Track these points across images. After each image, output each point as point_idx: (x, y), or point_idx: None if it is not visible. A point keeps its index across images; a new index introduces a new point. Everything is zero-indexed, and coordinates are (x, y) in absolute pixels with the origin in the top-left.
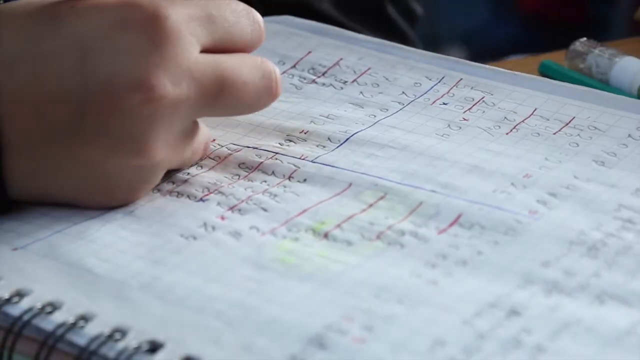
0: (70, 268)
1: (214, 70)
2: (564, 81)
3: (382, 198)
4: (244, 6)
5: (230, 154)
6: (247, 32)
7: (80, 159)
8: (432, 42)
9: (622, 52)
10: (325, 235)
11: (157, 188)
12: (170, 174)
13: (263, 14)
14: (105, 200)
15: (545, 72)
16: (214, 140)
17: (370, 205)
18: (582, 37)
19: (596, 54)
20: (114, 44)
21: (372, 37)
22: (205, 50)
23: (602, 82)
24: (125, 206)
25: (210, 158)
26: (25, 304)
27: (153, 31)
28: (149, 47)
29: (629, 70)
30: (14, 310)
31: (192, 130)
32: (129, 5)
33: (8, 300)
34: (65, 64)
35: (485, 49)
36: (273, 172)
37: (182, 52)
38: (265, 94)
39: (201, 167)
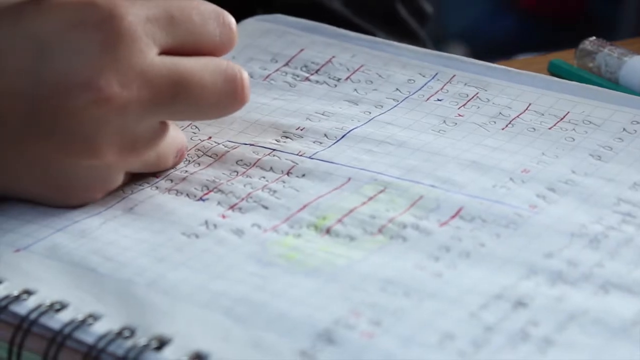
0: (74, 268)
1: (169, 72)
2: (573, 80)
3: (382, 191)
4: (213, 8)
5: (228, 151)
6: (214, 35)
7: (34, 156)
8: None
9: (632, 51)
10: (328, 231)
11: (155, 185)
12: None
13: (273, 13)
14: (63, 198)
15: (555, 71)
16: (210, 137)
17: (371, 199)
18: (585, 34)
19: (605, 53)
20: (68, 43)
21: (383, 36)
22: (166, 53)
23: (611, 81)
24: (123, 203)
25: (207, 155)
26: (33, 302)
27: (107, 31)
28: (102, 47)
29: (639, 70)
30: (23, 307)
31: (155, 133)
32: (87, 5)
33: (17, 298)
34: (21, 62)
35: (487, 47)
36: (271, 168)
37: (135, 53)
38: (227, 99)
39: (199, 164)
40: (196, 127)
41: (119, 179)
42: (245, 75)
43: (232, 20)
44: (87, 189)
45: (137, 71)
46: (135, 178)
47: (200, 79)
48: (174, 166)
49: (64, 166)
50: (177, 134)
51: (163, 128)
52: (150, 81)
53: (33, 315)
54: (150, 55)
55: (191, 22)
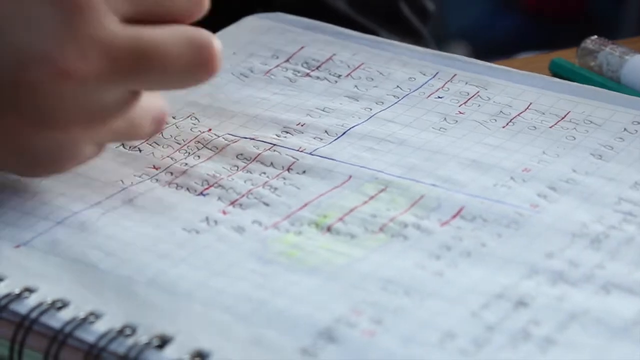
0: (75, 264)
1: (131, 43)
2: (574, 79)
3: (382, 190)
4: None
5: (228, 144)
6: (182, 3)
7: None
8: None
9: (633, 50)
10: (329, 229)
11: (155, 178)
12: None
13: (274, 12)
14: (31, 170)
15: (556, 70)
16: (210, 129)
17: (372, 198)
18: (586, 33)
19: (607, 52)
20: (25, 16)
21: (386, 34)
22: (129, 21)
23: (613, 80)
24: (122, 194)
25: (207, 148)
26: (34, 300)
27: (65, 3)
28: (59, 18)
29: None
30: (24, 306)
31: (122, 103)
32: None
33: (18, 296)
34: None
35: (489, 45)
36: (272, 164)
37: (94, 23)
38: (197, 68)
39: (199, 157)
40: (196, 118)
41: (89, 150)
42: (216, 43)
43: None
44: (55, 161)
45: (96, 42)
46: (134, 169)
47: (165, 49)
48: (153, 134)
49: (29, 138)
50: (155, 100)
51: (133, 97)
52: (111, 52)
53: (34, 314)
54: (110, 25)
55: None
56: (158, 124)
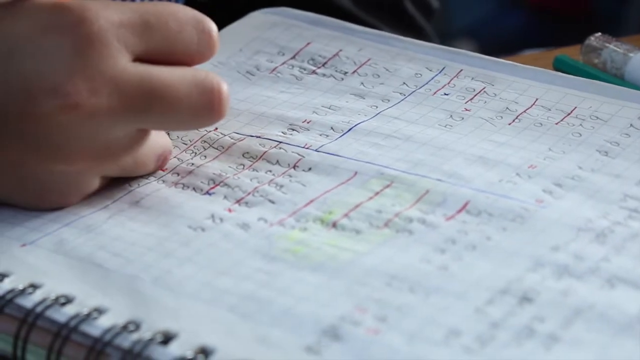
0: (80, 263)
1: (142, 81)
2: (578, 76)
3: (388, 186)
4: (193, 14)
5: (234, 143)
6: (191, 42)
7: (6, 160)
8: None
9: (638, 47)
10: (334, 225)
11: (161, 179)
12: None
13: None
14: (37, 202)
15: (560, 67)
16: (216, 128)
17: (377, 194)
18: (590, 30)
19: (611, 49)
20: (37, 47)
21: (389, 31)
22: (140, 60)
23: (617, 77)
24: (129, 196)
25: (213, 147)
26: (38, 295)
27: (77, 36)
28: (71, 52)
29: None
30: (28, 301)
31: (130, 140)
32: (58, 8)
33: (22, 292)
34: None
35: (493, 42)
36: (277, 161)
37: (105, 59)
38: (204, 112)
39: (205, 157)
40: None
41: (94, 183)
42: (224, 87)
43: (213, 27)
44: (62, 194)
45: (107, 77)
46: None
47: (174, 90)
48: (157, 170)
49: (36, 171)
50: (160, 139)
51: (140, 135)
52: (121, 89)
53: (38, 309)
54: (122, 62)
55: (167, 29)
56: (163, 161)
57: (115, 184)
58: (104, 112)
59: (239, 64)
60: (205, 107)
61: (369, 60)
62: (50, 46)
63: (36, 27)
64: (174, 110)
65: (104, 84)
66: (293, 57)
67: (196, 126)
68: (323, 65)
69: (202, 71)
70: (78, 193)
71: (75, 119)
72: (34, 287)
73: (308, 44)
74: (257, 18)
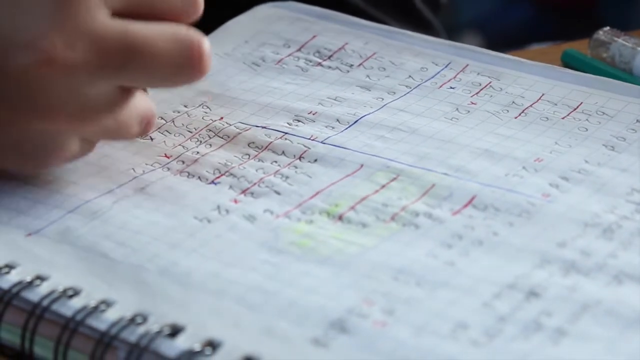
0: (86, 253)
1: (119, 36)
2: (586, 71)
3: (394, 179)
4: None
5: (239, 133)
6: (176, 2)
7: None
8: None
9: None
10: (340, 218)
11: (166, 167)
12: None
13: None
14: (17, 163)
15: (568, 61)
16: (222, 118)
17: (383, 187)
18: (599, 24)
19: (620, 43)
20: (14, 1)
21: (397, 25)
22: (120, 15)
23: (626, 72)
24: (134, 182)
25: (218, 136)
26: (45, 288)
27: None
28: (48, 6)
29: None
30: (36, 294)
31: (110, 99)
32: None
33: (30, 284)
34: None
35: (501, 36)
36: (283, 152)
37: (83, 14)
38: (184, 68)
39: (210, 145)
40: (207, 107)
41: (75, 145)
42: (206, 43)
43: None
44: (42, 156)
45: (84, 32)
46: (146, 158)
47: (153, 46)
48: (140, 135)
49: (14, 129)
50: (142, 101)
51: (122, 94)
52: (98, 43)
53: (46, 302)
54: (100, 17)
55: None
56: (146, 125)
57: (119, 168)
58: (80, 67)
59: (245, 55)
60: (185, 63)
61: (374, 54)
62: (27, 0)
63: None
64: (153, 66)
65: (80, 39)
66: (299, 50)
67: (177, 83)
68: (329, 58)
69: (184, 27)
70: (58, 155)
71: (50, 73)
72: (41, 279)
73: (314, 37)
74: (264, 11)
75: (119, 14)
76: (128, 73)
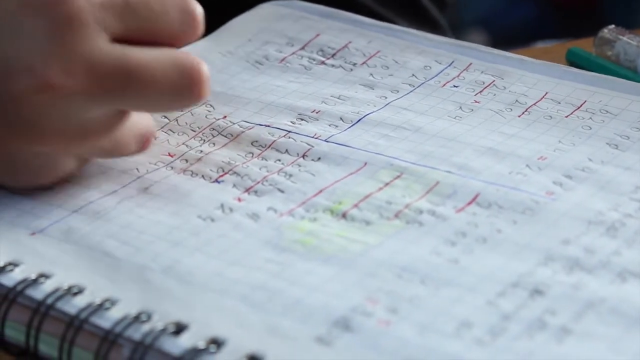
0: (90, 252)
1: (118, 62)
2: (591, 69)
3: (398, 177)
4: None
5: (243, 131)
6: (174, 23)
7: None
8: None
9: None
10: (344, 215)
11: (170, 165)
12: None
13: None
14: (11, 181)
15: (573, 59)
16: (225, 117)
17: (387, 184)
18: (603, 22)
19: (624, 42)
20: (15, 26)
21: (403, 24)
22: (120, 41)
23: (630, 70)
24: (137, 182)
25: (222, 135)
26: (49, 285)
27: (55, 15)
28: (48, 32)
29: None
30: (40, 291)
31: (107, 121)
32: None
33: (34, 282)
34: None
35: (506, 34)
36: (287, 151)
37: (83, 40)
38: (183, 93)
39: (214, 144)
40: (211, 106)
41: (70, 164)
42: (204, 68)
43: (198, 9)
44: (37, 174)
45: (83, 58)
46: (149, 157)
47: (151, 71)
48: (138, 152)
49: (10, 150)
50: (141, 119)
51: (119, 115)
52: (97, 70)
53: (50, 300)
54: (99, 43)
55: (149, 9)
56: (144, 143)
57: (123, 168)
58: (79, 93)
59: (248, 53)
60: (184, 89)
61: (378, 52)
62: (28, 25)
63: (15, 6)
64: (151, 91)
65: (79, 65)
66: (302, 48)
67: (176, 107)
68: (332, 56)
69: (183, 52)
70: (54, 173)
71: (49, 99)
72: (45, 277)
73: (317, 35)
74: (267, 9)
75: (118, 39)
76: (126, 98)
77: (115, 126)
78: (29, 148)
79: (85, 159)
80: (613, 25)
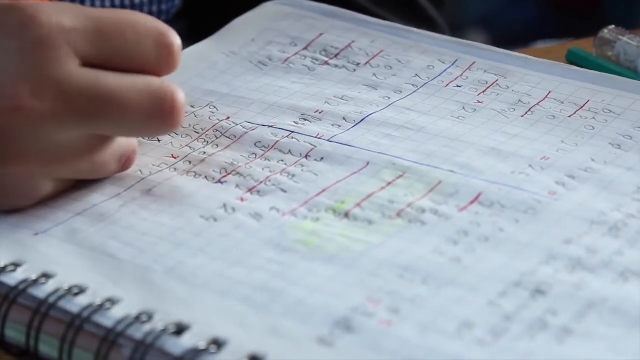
0: (92, 253)
1: (88, 86)
2: (591, 69)
3: (400, 177)
4: (156, 26)
5: (246, 132)
6: (148, 55)
7: None
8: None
9: None
10: (346, 215)
11: (173, 167)
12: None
13: None
14: None
15: (573, 59)
16: (229, 118)
17: (389, 184)
18: (604, 22)
19: (625, 42)
20: None
21: (401, 23)
22: (91, 65)
23: (630, 70)
24: (141, 184)
25: (225, 136)
26: (51, 285)
27: (25, 37)
28: (18, 53)
29: None
30: (41, 291)
31: (86, 143)
32: (9, 8)
33: (35, 282)
34: None
35: (506, 34)
36: (290, 151)
37: (52, 62)
38: (156, 121)
39: (217, 145)
40: (214, 107)
41: (47, 187)
42: (180, 96)
43: (176, 41)
44: (13, 196)
45: (52, 81)
46: (153, 159)
47: (123, 97)
48: (121, 172)
49: None
50: (122, 140)
51: (97, 138)
52: (67, 93)
53: (51, 299)
54: (69, 66)
55: (123, 39)
56: (125, 163)
57: (127, 171)
58: (47, 116)
59: (252, 54)
60: (157, 116)
61: (381, 52)
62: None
63: None
64: (123, 117)
65: (48, 88)
66: (305, 48)
67: (150, 134)
68: (335, 56)
69: (157, 80)
70: (30, 196)
71: (17, 121)
72: (47, 277)
73: (320, 35)
74: (270, 9)
75: (90, 63)
76: (98, 123)
77: (93, 149)
78: (2, 170)
79: (66, 181)
80: (613, 26)
